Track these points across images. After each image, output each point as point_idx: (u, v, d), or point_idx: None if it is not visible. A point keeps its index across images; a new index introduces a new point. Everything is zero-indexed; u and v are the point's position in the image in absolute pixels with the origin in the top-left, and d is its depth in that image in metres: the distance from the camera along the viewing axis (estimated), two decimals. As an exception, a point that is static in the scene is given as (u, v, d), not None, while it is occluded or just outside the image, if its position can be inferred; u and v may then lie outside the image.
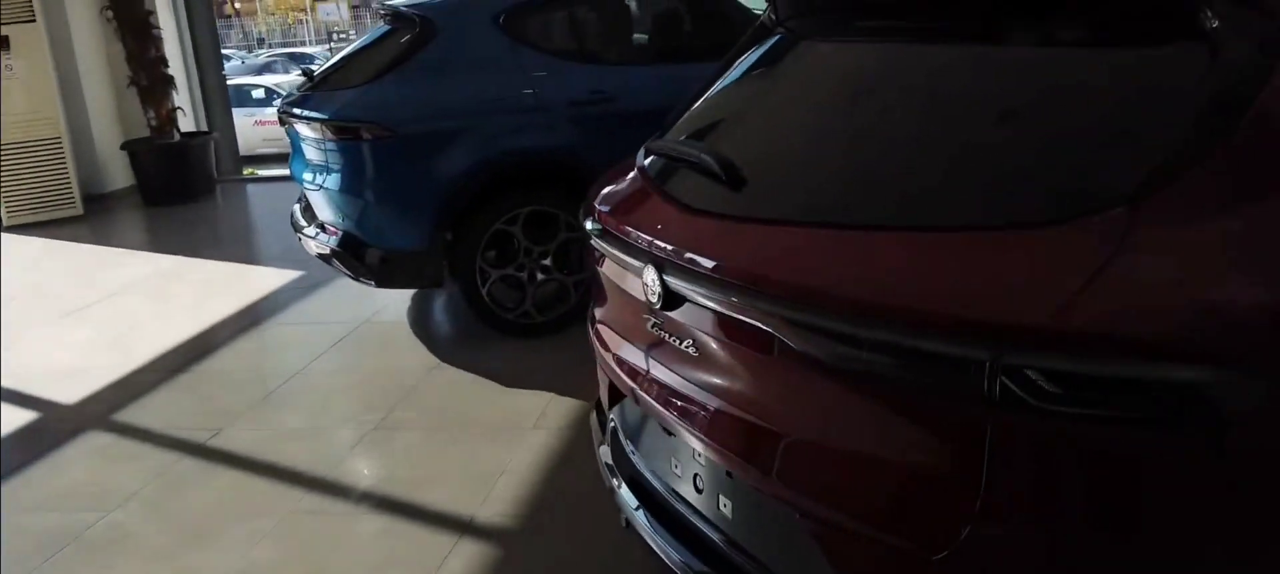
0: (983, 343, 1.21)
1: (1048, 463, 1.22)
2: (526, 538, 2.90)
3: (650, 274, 1.70)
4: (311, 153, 4.50)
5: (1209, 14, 1.33)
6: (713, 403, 1.64)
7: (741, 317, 1.52)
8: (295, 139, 4.74)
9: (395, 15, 4.69)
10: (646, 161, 2.07)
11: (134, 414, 4.00)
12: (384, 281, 4.49)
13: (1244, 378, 1.12)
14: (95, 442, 3.78)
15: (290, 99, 4.71)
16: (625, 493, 2.03)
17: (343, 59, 4.88)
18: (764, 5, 2.22)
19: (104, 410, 4.03)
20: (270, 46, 41.33)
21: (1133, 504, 1.19)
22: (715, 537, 1.76)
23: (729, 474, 1.70)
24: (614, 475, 2.10)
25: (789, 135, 1.85)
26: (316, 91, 4.63)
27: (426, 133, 4.24)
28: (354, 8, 46.84)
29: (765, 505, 1.60)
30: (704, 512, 1.81)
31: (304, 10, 48.97)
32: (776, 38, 2.17)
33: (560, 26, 4.58)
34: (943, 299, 1.27)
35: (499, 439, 3.52)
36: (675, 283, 1.65)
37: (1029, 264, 1.25)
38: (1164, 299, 1.17)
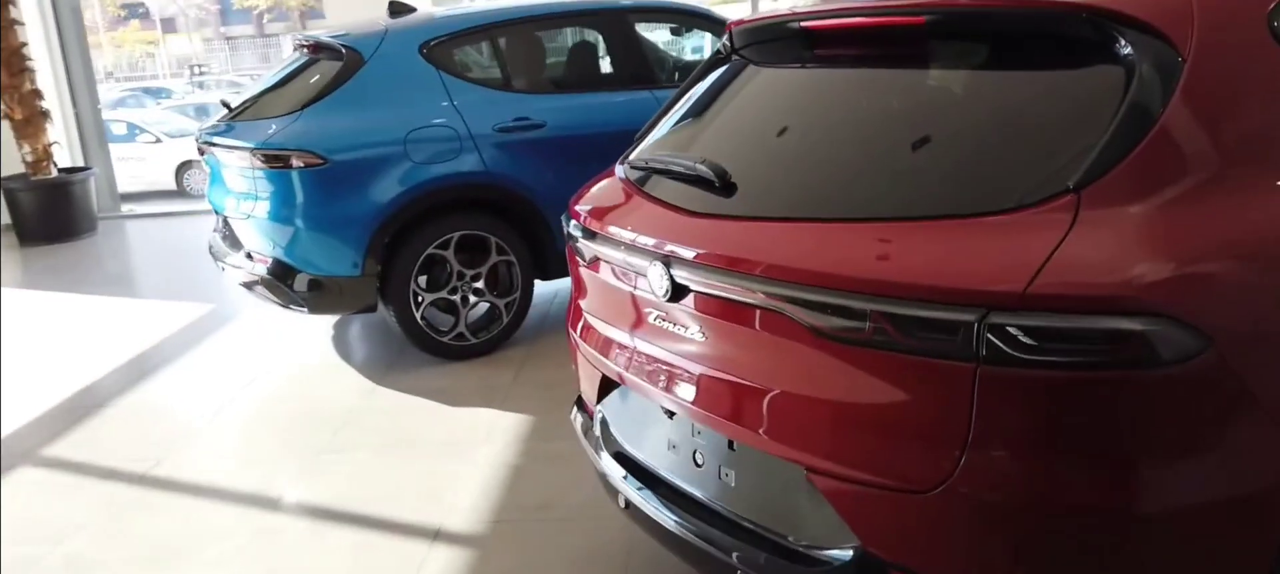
0: (970, 307, 1.49)
1: (1024, 402, 1.50)
2: (498, 542, 3.04)
3: (658, 270, 1.92)
4: (237, 182, 4.52)
5: (1123, 42, 1.66)
6: (719, 379, 1.87)
7: (753, 301, 1.76)
8: (216, 169, 4.75)
9: (318, 46, 4.77)
10: (633, 175, 2.28)
11: (62, 449, 3.92)
12: (316, 308, 4.54)
13: (1174, 326, 1.43)
14: (28, 477, 3.71)
15: (212, 129, 4.72)
16: (624, 476, 2.23)
17: (263, 90, 4.91)
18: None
19: (30, 446, 3.94)
20: (117, 80, 39.48)
21: (1091, 430, 1.48)
22: (712, 507, 1.99)
23: (731, 445, 1.93)
24: (610, 461, 2.29)
25: (766, 146, 2.11)
26: (239, 121, 4.66)
27: (358, 160, 4.33)
28: (206, 40, 45.32)
29: (770, 468, 1.84)
30: (702, 485, 2.03)
31: (154, 43, 47.00)
32: (731, 65, 2.43)
33: (484, 56, 4.76)
34: (936, 274, 1.54)
35: (451, 454, 3.65)
36: (683, 276, 1.88)
37: (1002, 242, 1.53)
38: (1108, 265, 1.47)
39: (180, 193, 17.73)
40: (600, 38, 5.08)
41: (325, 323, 5.27)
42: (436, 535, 3.08)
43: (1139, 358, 1.43)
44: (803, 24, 2.16)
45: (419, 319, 4.50)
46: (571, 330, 2.55)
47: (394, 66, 4.51)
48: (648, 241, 1.98)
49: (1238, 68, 1.70)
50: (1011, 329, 1.46)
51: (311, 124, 4.34)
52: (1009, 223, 1.55)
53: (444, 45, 4.62)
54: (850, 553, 1.71)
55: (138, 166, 18.04)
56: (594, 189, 2.44)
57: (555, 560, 2.90)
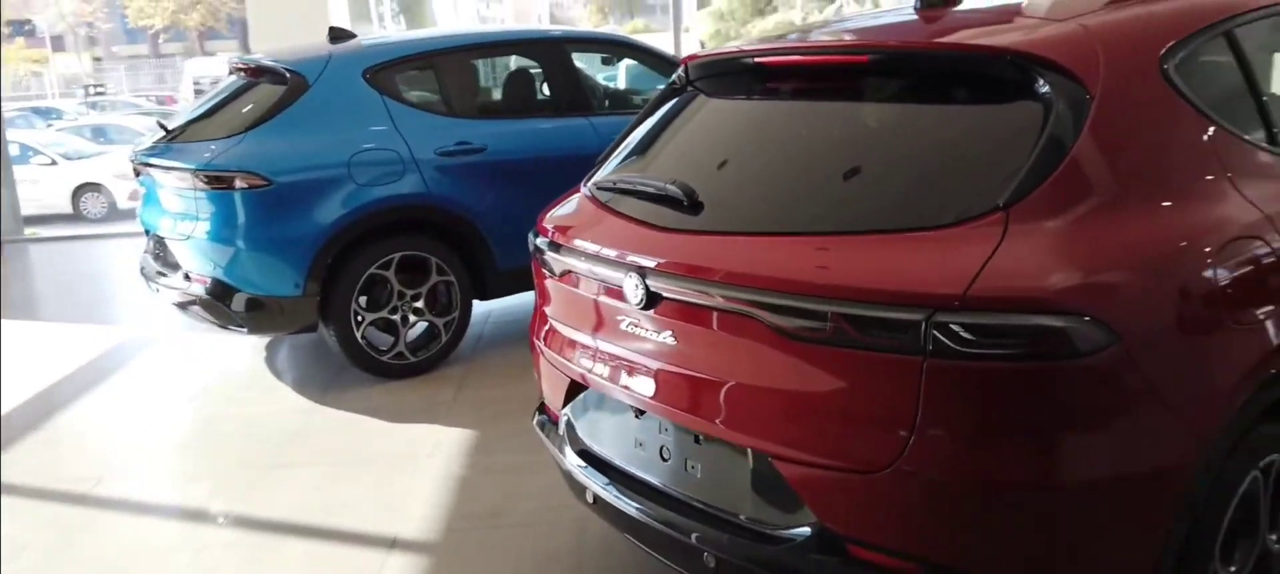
0: (918, 308, 1.71)
1: (963, 390, 1.72)
2: (452, 549, 3.15)
3: (633, 280, 2.10)
4: (175, 202, 4.53)
5: (1041, 82, 1.93)
6: (689, 378, 2.06)
7: (723, 307, 1.96)
8: (151, 189, 4.75)
9: (259, 69, 4.82)
10: (601, 194, 2.47)
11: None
12: (256, 328, 4.57)
13: (1088, 323, 1.68)
14: (-39, 500, 3.64)
15: (149, 150, 4.72)
16: (591, 472, 2.39)
17: (201, 112, 4.92)
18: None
19: (-40, 469, 3.87)
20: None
21: (1021, 413, 1.71)
22: (679, 497, 2.17)
23: (697, 439, 2.12)
24: (577, 458, 2.45)
25: (727, 168, 2.33)
26: (176, 142, 4.68)
27: (302, 182, 4.40)
28: (96, 60, 43.76)
29: (734, 458, 2.03)
30: (669, 478, 2.21)
31: (42, 62, 45.12)
32: (686, 95, 2.65)
33: (426, 82, 4.88)
34: (889, 280, 1.76)
35: (399, 468, 3.73)
36: (657, 286, 2.07)
37: (945, 252, 1.76)
38: (1033, 272, 1.71)
39: (77, 216, 17.14)
40: (538, 66, 5.25)
41: (252, 345, 5.26)
42: (393, 544, 3.18)
43: (1060, 350, 1.67)
44: (758, 59, 2.39)
45: (360, 338, 4.56)
46: (535, 340, 2.70)
47: (338, 91, 4.60)
48: (623, 255, 2.16)
49: (1135, 103, 1.98)
50: (953, 326, 1.69)
51: (255, 146, 4.39)
52: (949, 236, 1.79)
53: (387, 71, 4.73)
54: (809, 530, 1.91)
55: (31, 189, 17.38)
56: (562, 207, 2.62)
57: (509, 565, 3.02)
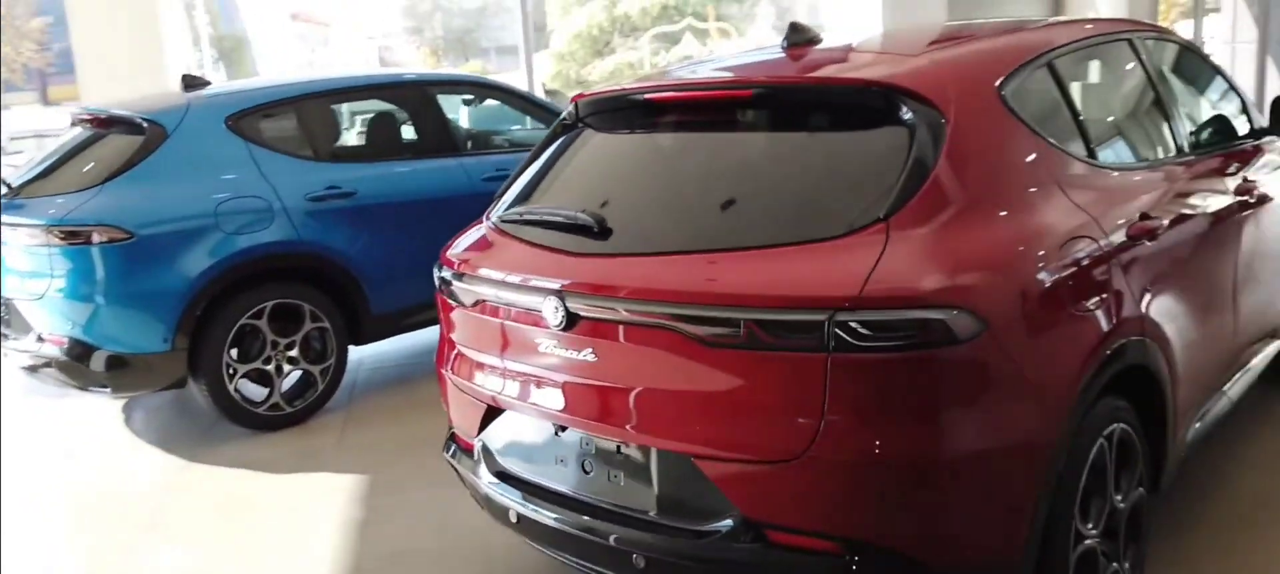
0: (821, 309, 1.93)
1: (862, 379, 1.95)
2: (360, 586, 3.16)
3: (552, 303, 2.24)
4: (24, 261, 4.32)
5: (905, 110, 2.20)
6: (611, 391, 2.20)
7: (643, 322, 2.12)
8: (-6, 249, 4.51)
9: (109, 120, 4.66)
10: (506, 225, 2.59)
11: None
12: (119, 387, 4.40)
13: (962, 313, 1.94)
14: None
15: (-12, 207, 4.48)
16: (510, 493, 2.49)
17: (47, 166, 4.71)
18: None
19: None
20: None
21: (912, 394, 1.95)
22: (605, 507, 2.30)
23: (619, 449, 2.27)
24: (495, 480, 2.55)
25: (627, 196, 2.50)
26: (22, 197, 4.47)
27: (166, 233, 4.28)
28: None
29: (662, 464, 2.19)
30: (593, 490, 2.34)
31: None
32: (576, 131, 2.81)
33: (291, 127, 4.84)
34: (793, 287, 1.97)
35: (293, 519, 3.67)
36: (576, 307, 2.21)
37: (839, 260, 1.99)
38: (915, 272, 1.96)
39: None
40: (404, 109, 5.30)
41: (104, 408, 5.03)
42: (305, 589, 3.15)
43: (941, 338, 1.93)
44: (648, 96, 2.59)
45: (232, 391, 4.46)
46: (442, 370, 2.78)
47: (200, 138, 4.51)
48: (541, 280, 2.29)
49: (979, 126, 2.29)
50: (852, 324, 1.91)
51: (113, 198, 4.25)
52: (841, 246, 2.02)
53: (251, 117, 4.67)
54: (731, 521, 2.09)
55: None
56: (466, 240, 2.72)
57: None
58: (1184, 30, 9.78)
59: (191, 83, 5.03)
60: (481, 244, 2.65)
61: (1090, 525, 2.29)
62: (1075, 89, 2.71)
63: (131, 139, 4.48)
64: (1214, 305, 2.97)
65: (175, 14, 7.95)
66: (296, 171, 4.68)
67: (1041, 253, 2.18)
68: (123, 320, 4.25)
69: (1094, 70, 3.04)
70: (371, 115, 5.34)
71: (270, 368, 4.56)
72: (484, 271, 2.52)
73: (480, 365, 2.57)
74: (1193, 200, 2.89)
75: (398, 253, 4.93)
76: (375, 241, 4.85)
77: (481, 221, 2.79)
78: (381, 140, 5.24)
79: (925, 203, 2.08)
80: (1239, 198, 3.13)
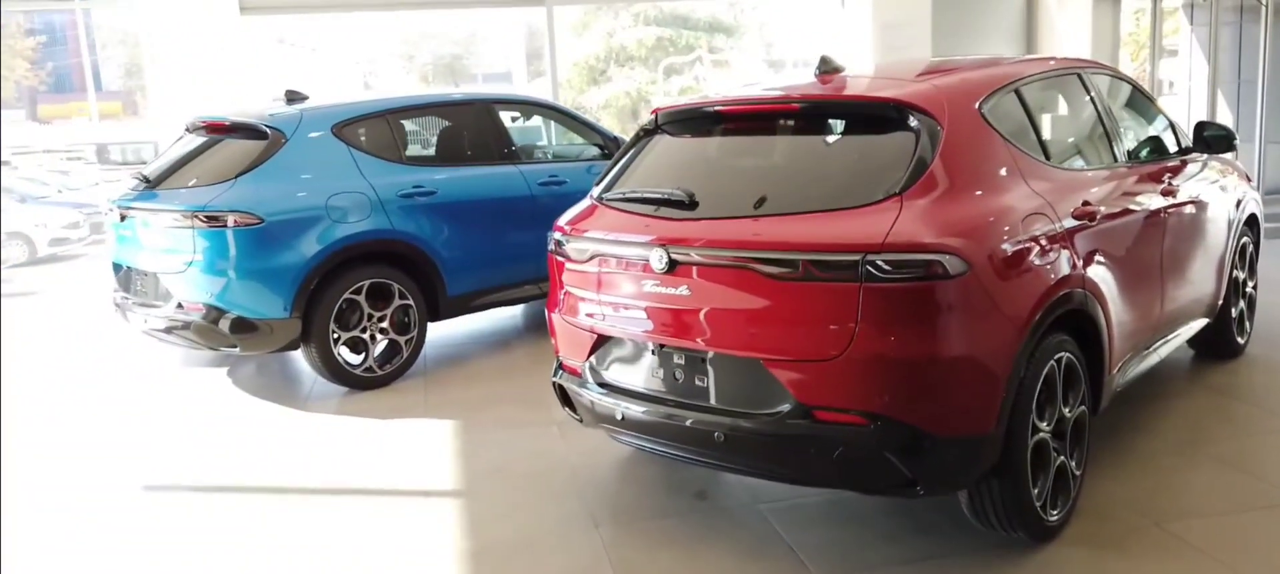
0: (857, 253, 2.81)
1: (885, 302, 2.82)
2: (475, 494, 3.97)
3: (659, 253, 3.11)
4: (166, 240, 5.16)
5: (912, 120, 3.10)
6: (699, 317, 3.07)
7: (729, 264, 3.00)
8: (133, 229, 5.35)
9: (233, 126, 5.51)
10: (612, 202, 3.47)
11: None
12: (247, 347, 5.22)
13: (953, 257, 2.82)
14: None
15: (130, 196, 5.34)
16: (616, 399, 3.35)
17: (173, 163, 5.55)
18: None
19: None
20: None
21: (919, 313, 2.82)
22: (690, 403, 3.17)
23: (704, 359, 3.13)
24: (600, 390, 3.40)
25: (706, 180, 3.39)
26: (160, 189, 5.32)
27: (288, 220, 5.13)
28: None
29: (736, 367, 3.05)
30: (681, 393, 3.20)
31: None
32: (656, 134, 3.70)
33: (384, 136, 5.70)
34: (837, 238, 2.86)
35: (408, 449, 4.51)
36: (678, 255, 3.09)
37: (869, 220, 2.87)
38: (921, 229, 2.85)
39: None
40: (475, 123, 6.18)
41: (205, 384, 5.85)
42: (427, 494, 3.99)
43: (939, 274, 2.81)
44: (718, 108, 3.49)
45: (336, 354, 5.30)
46: (552, 315, 3.65)
47: (312, 143, 5.38)
48: (649, 238, 3.17)
49: (965, 132, 3.18)
50: (879, 262, 2.80)
51: (245, 190, 5.10)
52: (869, 211, 2.91)
53: (352, 126, 5.55)
54: (789, 405, 2.96)
55: None
56: (575, 212, 3.61)
57: (525, 502, 3.88)
58: (1145, 70, 10.81)
59: (293, 96, 5.89)
60: (593, 216, 3.52)
61: (1044, 423, 3.17)
62: (1036, 109, 3.62)
63: (254, 143, 5.34)
64: (1142, 279, 3.87)
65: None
66: (389, 173, 5.55)
67: (1008, 222, 3.07)
68: (252, 291, 5.09)
69: (1050, 96, 3.95)
70: (447, 127, 6.21)
71: (366, 336, 5.40)
72: (598, 234, 3.39)
73: (591, 306, 3.44)
74: (1125, 197, 3.80)
75: (470, 244, 5.81)
76: (452, 234, 5.72)
77: (588, 200, 3.67)
78: (456, 149, 6.11)
79: (927, 184, 2.97)
80: (1165, 199, 4.05)
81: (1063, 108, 4.05)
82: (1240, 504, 3.51)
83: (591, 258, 3.43)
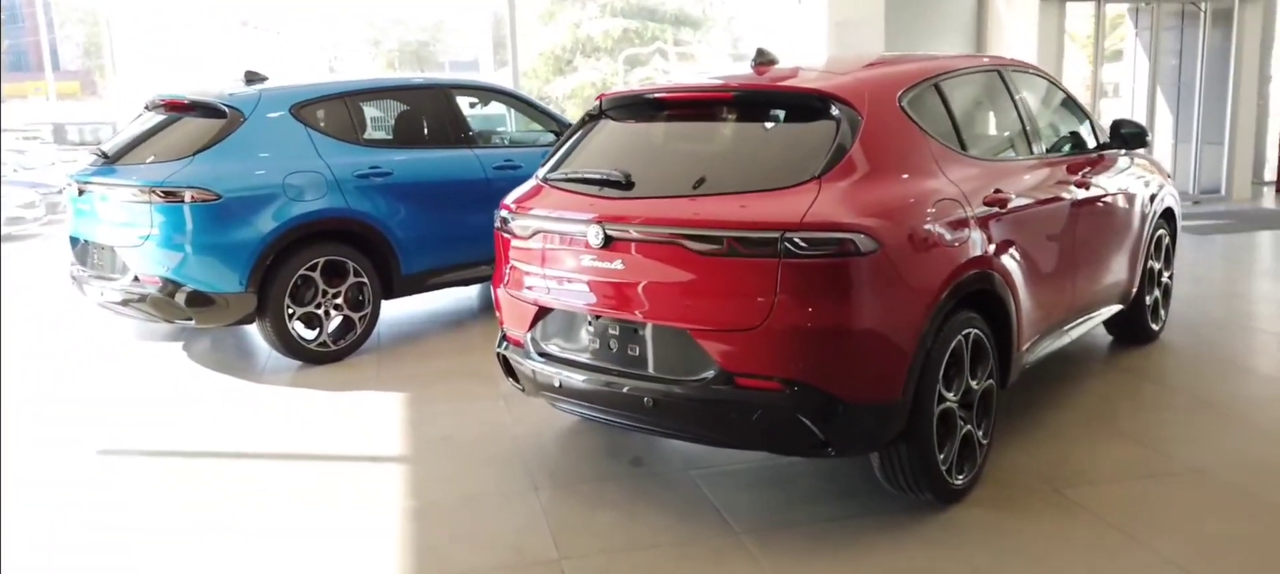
0: (777, 231, 3.03)
1: (802, 276, 3.03)
2: (424, 460, 4.15)
3: (595, 230, 3.31)
4: (124, 214, 5.27)
5: (835, 110, 3.32)
6: (632, 289, 3.28)
7: (660, 240, 3.19)
8: (90, 204, 5.45)
9: (191, 105, 5.63)
10: (556, 182, 3.66)
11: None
12: (203, 320, 5.35)
13: (865, 236, 3.05)
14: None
15: (90, 170, 5.43)
16: (554, 367, 3.55)
17: (134, 139, 5.65)
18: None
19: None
20: None
21: (832, 288, 3.04)
22: (622, 370, 3.37)
23: (636, 330, 3.34)
24: (540, 359, 3.60)
25: (644, 162, 3.59)
26: (119, 164, 5.43)
27: (245, 197, 5.27)
28: None
29: (666, 337, 3.26)
30: (616, 361, 3.41)
31: None
32: (600, 119, 3.90)
33: (341, 118, 5.84)
34: (760, 217, 3.07)
35: (359, 417, 4.68)
36: (613, 231, 3.29)
37: (789, 200, 3.08)
38: (837, 210, 3.07)
39: None
40: (431, 107, 6.34)
41: (159, 357, 5.96)
42: (375, 459, 4.16)
43: (852, 251, 3.03)
44: (657, 95, 3.69)
45: (290, 329, 5.44)
46: (498, 290, 3.83)
47: (270, 123, 5.51)
48: (586, 215, 3.36)
49: (883, 123, 3.41)
50: (796, 239, 3.02)
51: (203, 167, 5.23)
52: (789, 192, 3.13)
53: (310, 107, 5.68)
54: (714, 372, 3.17)
55: None
56: (522, 191, 3.79)
57: (470, 467, 4.07)
58: (1089, 72, 11.18)
59: (253, 77, 6.00)
60: (538, 195, 3.71)
61: (951, 393, 3.41)
62: (955, 103, 3.85)
63: (213, 121, 5.46)
64: (1053, 264, 4.13)
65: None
66: (346, 153, 5.70)
67: (919, 205, 3.30)
68: (208, 265, 5.22)
69: (970, 91, 4.19)
70: (405, 110, 6.36)
71: (320, 312, 5.55)
72: (541, 212, 3.59)
73: (533, 280, 3.63)
74: (1037, 188, 4.06)
75: (424, 225, 5.97)
76: (407, 214, 5.87)
77: (533, 181, 3.86)
78: (413, 132, 6.27)
79: (845, 169, 3.19)
80: (1078, 191, 4.32)
81: (981, 103, 4.30)
82: (1134, 472, 3.78)
83: (534, 234, 3.62)
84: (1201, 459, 3.87)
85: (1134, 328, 5.30)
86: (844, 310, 3.07)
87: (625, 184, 3.40)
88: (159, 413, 4.89)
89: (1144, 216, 5.04)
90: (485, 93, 7.05)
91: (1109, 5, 10.74)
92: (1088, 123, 4.82)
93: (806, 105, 3.42)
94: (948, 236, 3.37)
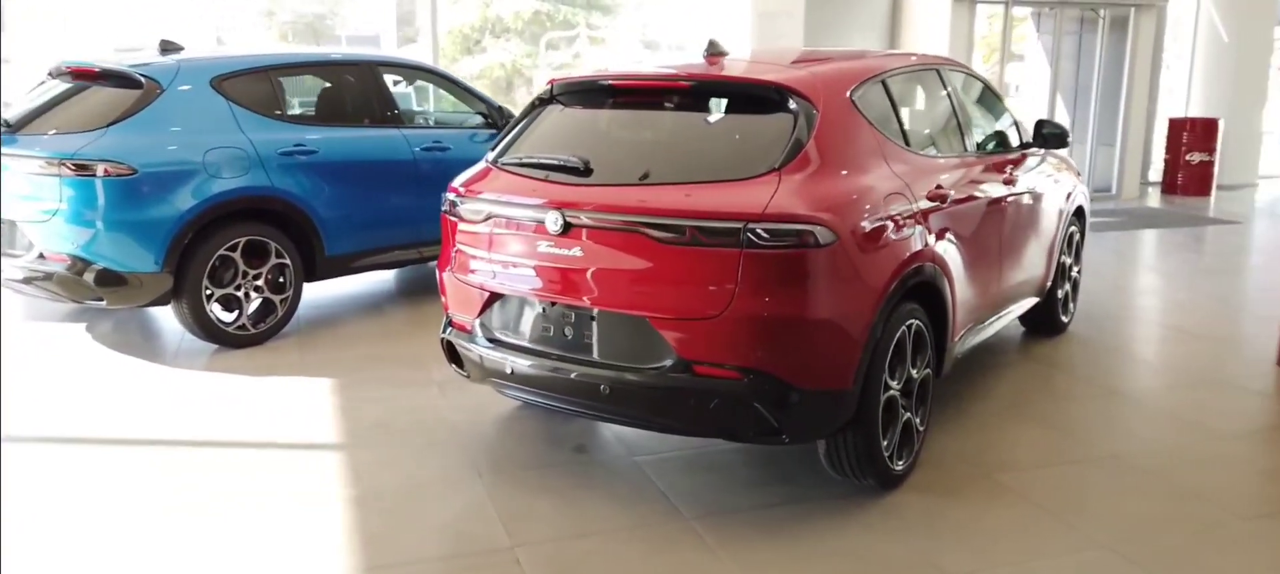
0: (739, 221, 3.06)
1: (763, 266, 3.07)
2: (361, 446, 4.05)
3: (554, 215, 3.28)
4: (29, 187, 4.97)
5: (792, 103, 3.37)
6: (593, 276, 3.26)
7: (621, 227, 3.19)
8: (-9, 176, 5.12)
9: (103, 73, 5.33)
10: (509, 166, 3.61)
11: None
12: (114, 300, 5.09)
13: (823, 229, 3.10)
14: None
15: (-11, 140, 5.09)
16: (506, 354, 3.51)
17: (39, 108, 5.33)
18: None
19: None
20: None
21: (792, 278, 3.09)
22: (577, 358, 3.36)
23: (592, 317, 3.33)
24: (489, 347, 3.55)
25: (597, 148, 3.57)
26: (22, 134, 5.11)
27: (163, 172, 5.03)
28: None
29: (622, 324, 3.26)
30: (570, 348, 3.39)
31: None
32: (551, 105, 3.86)
33: (265, 92, 5.62)
34: (723, 207, 3.09)
35: (284, 404, 4.53)
36: (572, 217, 3.26)
37: (751, 191, 3.11)
38: (795, 201, 3.12)
39: None
40: (360, 84, 6.16)
41: (65, 338, 5.66)
42: (310, 446, 4.04)
43: (810, 242, 3.08)
44: (612, 81, 3.68)
45: (208, 311, 5.23)
46: (445, 274, 3.76)
47: (190, 95, 5.27)
48: (540, 200, 3.33)
49: (837, 117, 3.48)
50: (759, 230, 3.05)
51: (118, 139, 4.97)
52: (750, 183, 3.16)
53: (233, 80, 5.45)
54: (671, 360, 3.19)
55: None
56: (471, 175, 3.73)
57: (407, 454, 3.99)
58: (993, 71, 11.64)
59: (167, 46, 5.72)
60: (488, 179, 3.66)
61: (894, 382, 3.52)
62: (899, 99, 3.96)
63: (127, 92, 5.18)
64: (983, 258, 4.28)
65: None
66: (269, 129, 5.49)
67: (871, 199, 3.38)
68: (122, 243, 4.96)
69: (911, 88, 4.32)
70: (331, 86, 6.16)
71: (240, 294, 5.34)
72: (493, 196, 3.53)
73: (483, 264, 3.58)
74: (972, 184, 4.21)
75: (349, 205, 5.81)
76: (332, 194, 5.70)
77: (483, 164, 3.80)
78: (339, 109, 6.08)
79: (803, 161, 3.25)
80: (1006, 188, 4.49)
81: (922, 100, 4.42)
82: (1057, 458, 3.97)
83: (486, 219, 3.57)
84: (1117, 445, 4.09)
85: (1046, 320, 5.55)
86: (802, 300, 3.13)
87: (584, 170, 3.38)
88: (69, 397, 4.64)
89: (1060, 214, 5.27)
90: (414, 71, 6.89)
91: (1015, 8, 11.16)
92: (1013, 122, 5.01)
93: (763, 97, 3.46)
94: (896, 230, 3.46)
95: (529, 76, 26.03)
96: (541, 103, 3.89)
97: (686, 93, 3.58)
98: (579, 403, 3.44)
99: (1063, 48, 11.45)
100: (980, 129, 4.73)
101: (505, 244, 3.52)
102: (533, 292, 3.44)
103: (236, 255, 5.29)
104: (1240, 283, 7.63)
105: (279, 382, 4.85)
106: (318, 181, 5.63)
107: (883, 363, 3.39)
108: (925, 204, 3.67)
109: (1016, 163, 4.76)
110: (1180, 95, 13.11)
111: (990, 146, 4.69)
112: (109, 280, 4.99)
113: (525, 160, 3.60)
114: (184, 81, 5.28)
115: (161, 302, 5.18)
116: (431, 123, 6.96)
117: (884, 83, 3.88)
